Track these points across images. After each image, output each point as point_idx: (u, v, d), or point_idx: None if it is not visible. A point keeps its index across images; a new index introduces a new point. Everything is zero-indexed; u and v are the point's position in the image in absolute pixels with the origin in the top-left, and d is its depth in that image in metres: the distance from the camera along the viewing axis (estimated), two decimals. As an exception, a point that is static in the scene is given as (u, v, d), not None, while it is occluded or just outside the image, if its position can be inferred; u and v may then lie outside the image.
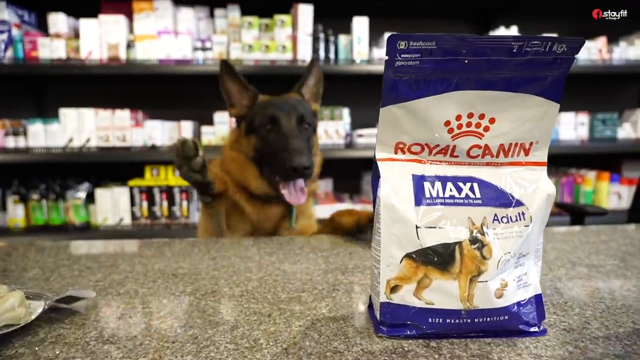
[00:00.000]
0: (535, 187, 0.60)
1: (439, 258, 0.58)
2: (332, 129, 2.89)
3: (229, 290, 0.80)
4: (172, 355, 0.56)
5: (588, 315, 0.68)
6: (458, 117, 0.58)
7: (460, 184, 0.60)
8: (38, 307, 0.65)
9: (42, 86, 3.06)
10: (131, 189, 2.80)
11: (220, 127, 2.89)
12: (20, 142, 2.72)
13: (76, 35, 2.78)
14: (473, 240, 0.58)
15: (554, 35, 3.08)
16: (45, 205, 2.78)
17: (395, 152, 0.61)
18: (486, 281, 0.58)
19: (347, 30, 2.92)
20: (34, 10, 2.91)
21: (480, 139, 0.60)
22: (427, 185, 0.60)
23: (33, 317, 0.63)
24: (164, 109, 2.98)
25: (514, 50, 0.53)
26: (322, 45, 2.88)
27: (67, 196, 2.80)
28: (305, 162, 1.23)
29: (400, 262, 0.59)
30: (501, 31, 3.05)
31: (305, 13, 2.79)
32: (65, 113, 2.73)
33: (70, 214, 2.79)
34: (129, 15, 2.81)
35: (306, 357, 0.56)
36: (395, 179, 0.60)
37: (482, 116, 0.59)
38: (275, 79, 3.07)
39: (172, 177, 2.87)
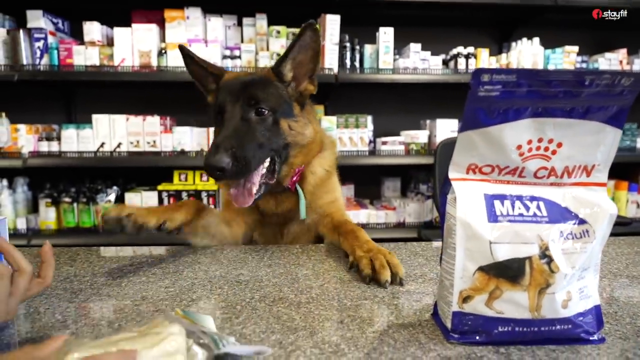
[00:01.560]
0: (598, 207, 0.65)
1: (510, 271, 0.63)
2: (357, 137, 2.94)
3: (295, 297, 0.85)
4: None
5: (640, 325, 0.73)
6: (529, 142, 0.63)
7: (528, 203, 0.65)
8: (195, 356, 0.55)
9: (75, 92, 3.15)
10: (160, 193, 2.87)
11: (246, 134, 2.95)
12: (54, 147, 2.80)
13: (109, 43, 2.86)
14: (542, 256, 0.63)
15: (571, 49, 3.11)
16: (76, 208, 2.86)
17: (467, 172, 0.66)
18: (554, 293, 0.63)
19: (373, 39, 2.98)
20: (68, 18, 3.00)
21: (548, 161, 0.65)
22: (497, 203, 0.65)
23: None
24: (193, 115, 3.04)
25: (586, 83, 0.58)
26: (348, 54, 2.94)
27: (97, 199, 2.87)
28: (217, 162, 1.00)
29: (473, 274, 0.64)
30: (524, 42, 3.09)
31: (333, 23, 2.84)
32: (98, 119, 2.81)
33: (100, 217, 2.86)
34: (161, 24, 2.89)
35: (389, 361, 0.61)
36: (468, 198, 0.65)
37: (550, 140, 0.63)
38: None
39: (199, 182, 2.93)
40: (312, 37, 1.16)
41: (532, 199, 0.66)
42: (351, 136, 2.95)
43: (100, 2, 2.87)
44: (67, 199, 2.85)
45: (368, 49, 2.96)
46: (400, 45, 3.03)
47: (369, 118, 3.01)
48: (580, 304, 0.65)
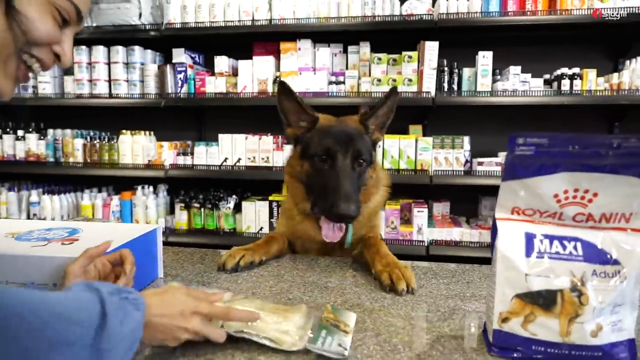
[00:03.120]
0: (633, 251, 0.72)
1: (543, 300, 0.73)
2: (452, 157, 2.99)
3: (370, 304, 1.01)
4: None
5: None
6: (565, 191, 0.73)
7: (565, 242, 0.74)
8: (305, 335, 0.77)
9: (206, 115, 3.63)
10: (270, 202, 3.19)
11: (348, 152, 3.16)
12: (188, 161, 3.26)
13: (234, 73, 3.26)
14: (573, 289, 0.72)
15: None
16: (202, 213, 3.29)
17: (512, 214, 0.77)
18: (582, 323, 0.71)
19: (472, 62, 3.00)
20: (202, 53, 3.47)
21: (585, 207, 0.73)
22: (536, 241, 0.75)
23: (300, 346, 0.75)
24: (301, 134, 3.34)
25: (614, 146, 0.67)
26: (446, 78, 3.01)
27: (220, 206, 3.28)
28: (353, 212, 1.17)
29: (511, 300, 0.74)
30: (639, 61, 2.89)
31: (431, 49, 2.94)
32: (223, 138, 3.22)
33: (222, 221, 3.27)
34: (277, 55, 3.22)
35: (434, 363, 0.75)
36: (510, 235, 0.76)
37: (586, 191, 0.72)
38: (401, 109, 3.27)
39: (304, 195, 3.20)
40: (395, 99, 1.35)
41: (571, 239, 0.74)
42: (446, 156, 3.00)
43: (228, 39, 3.27)
44: (196, 205, 3.29)
45: (466, 72, 3.00)
46: (499, 66, 3.01)
47: (466, 139, 3.04)
48: (613, 336, 0.72)
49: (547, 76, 3.05)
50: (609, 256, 0.72)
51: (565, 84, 2.90)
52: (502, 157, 2.99)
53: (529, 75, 2.93)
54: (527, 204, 0.76)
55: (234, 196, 3.38)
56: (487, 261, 1.30)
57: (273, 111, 3.43)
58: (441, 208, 3.33)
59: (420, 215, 3.05)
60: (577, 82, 2.89)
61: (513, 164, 0.72)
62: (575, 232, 0.75)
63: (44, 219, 3.16)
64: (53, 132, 3.39)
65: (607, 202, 0.72)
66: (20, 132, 3.31)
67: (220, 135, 3.23)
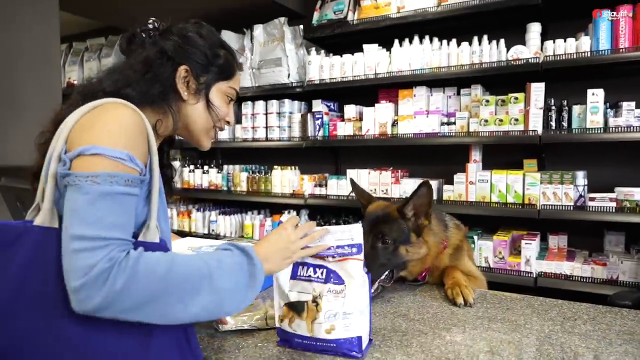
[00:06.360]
0: (353, 275, 0.97)
1: (297, 308, 1.04)
2: (561, 192, 2.80)
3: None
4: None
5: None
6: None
7: (317, 269, 1.04)
8: None
9: (338, 153, 4.21)
10: (384, 231, 3.52)
11: (459, 187, 3.24)
12: (322, 191, 3.87)
13: (359, 118, 3.75)
14: (313, 301, 1.01)
15: None
16: (332, 235, 3.83)
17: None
18: (320, 323, 1.01)
19: (581, 97, 2.78)
20: (335, 101, 4.09)
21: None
22: (300, 268, 1.07)
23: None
24: (416, 170, 3.59)
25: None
26: (554, 116, 2.86)
27: (345, 231, 3.76)
28: None
29: (282, 307, 1.08)
30: None
31: (537, 90, 2.86)
32: (350, 172, 3.72)
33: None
34: (395, 100, 3.58)
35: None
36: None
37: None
38: (505, 147, 3.22)
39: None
40: (426, 190, 1.47)
41: (321, 267, 1.04)
42: (555, 191, 2.84)
43: (355, 89, 3.76)
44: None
45: (576, 109, 2.79)
46: (612, 99, 2.72)
47: (579, 174, 2.82)
48: (345, 333, 1.00)
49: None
50: (341, 279, 0.99)
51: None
52: (617, 192, 2.66)
53: (645, 110, 2.54)
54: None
55: (359, 221, 3.81)
56: (595, 297, 1.31)
57: (391, 150, 3.85)
58: (557, 241, 3.12)
59: (527, 247, 2.96)
60: None
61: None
62: (326, 263, 1.03)
63: (219, 233, 4.24)
64: (227, 167, 4.48)
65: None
66: (205, 168, 4.52)
67: (348, 170, 3.75)
